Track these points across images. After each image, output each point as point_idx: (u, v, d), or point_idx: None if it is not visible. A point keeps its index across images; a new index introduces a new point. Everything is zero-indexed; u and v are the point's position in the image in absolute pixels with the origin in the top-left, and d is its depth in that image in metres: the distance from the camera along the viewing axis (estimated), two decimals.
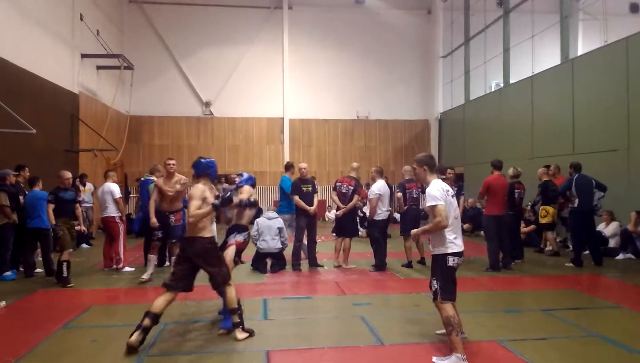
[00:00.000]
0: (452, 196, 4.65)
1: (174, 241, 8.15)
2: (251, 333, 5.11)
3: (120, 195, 9.29)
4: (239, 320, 5.09)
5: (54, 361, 4.53)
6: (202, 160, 5.48)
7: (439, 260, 4.57)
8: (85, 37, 15.05)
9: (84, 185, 12.85)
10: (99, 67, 16.22)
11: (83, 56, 14.85)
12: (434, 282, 4.60)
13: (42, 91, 12.27)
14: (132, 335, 4.68)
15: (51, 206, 7.92)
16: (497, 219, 8.75)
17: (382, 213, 8.88)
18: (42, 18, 12.44)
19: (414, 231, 4.86)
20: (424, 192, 9.39)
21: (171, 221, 8.04)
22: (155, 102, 19.53)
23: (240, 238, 5.86)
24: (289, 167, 9.94)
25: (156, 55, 19.61)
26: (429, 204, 4.53)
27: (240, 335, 5.03)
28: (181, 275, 5.07)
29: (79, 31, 14.61)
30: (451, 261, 4.53)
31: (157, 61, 19.61)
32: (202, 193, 5.11)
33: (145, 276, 7.92)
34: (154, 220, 7.98)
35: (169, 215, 8.02)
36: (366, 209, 9.52)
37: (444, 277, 4.56)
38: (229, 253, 5.75)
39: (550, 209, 10.43)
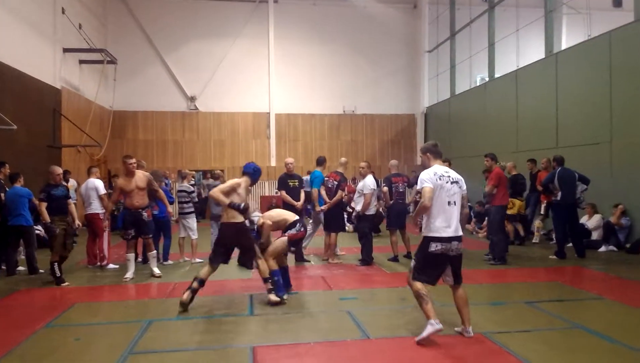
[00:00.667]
0: (451, 182, 4.75)
1: (150, 236, 8.09)
2: (282, 300, 6.08)
3: (106, 191, 9.17)
4: (271, 287, 6.09)
5: (36, 361, 4.46)
6: (252, 164, 6.67)
7: (423, 242, 4.79)
8: (68, 31, 14.82)
9: (67, 181, 12.68)
10: (81, 62, 16.00)
11: (65, 50, 14.62)
12: (412, 260, 4.88)
13: (24, 87, 12.07)
14: (183, 293, 5.89)
15: (43, 204, 7.60)
16: (506, 209, 9.18)
17: (372, 208, 8.92)
18: (23, 12, 12.22)
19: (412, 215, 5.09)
20: (410, 186, 9.50)
21: (144, 218, 7.90)
22: (139, 97, 19.32)
23: (293, 231, 6.61)
24: (321, 161, 9.83)
25: (140, 49, 19.39)
26: (418, 187, 4.81)
27: (272, 297, 6.03)
28: (220, 253, 6.14)
29: (60, 25, 14.37)
30: (433, 246, 4.65)
31: (141, 55, 19.40)
32: (234, 184, 6.23)
33: (128, 276, 7.83)
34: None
35: (141, 211, 7.90)
36: (354, 205, 9.48)
37: (422, 259, 4.76)
38: (278, 243, 6.59)
39: (516, 201, 10.70)
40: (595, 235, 10.39)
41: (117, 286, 7.51)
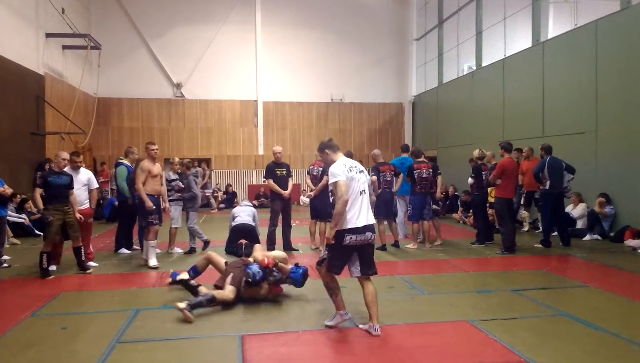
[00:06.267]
0: (359, 171, 4.75)
1: (160, 224, 8.14)
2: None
3: (97, 186, 8.76)
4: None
5: (22, 349, 4.41)
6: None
7: (338, 235, 4.64)
8: (50, 16, 14.51)
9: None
10: (65, 47, 15.70)
11: (48, 35, 14.33)
12: (325, 250, 4.83)
13: (6, 72, 11.83)
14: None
15: (38, 191, 7.29)
16: (509, 202, 9.05)
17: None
18: None
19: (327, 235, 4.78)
20: (396, 175, 9.51)
21: (162, 205, 8.14)
22: (124, 84, 19.06)
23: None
24: (406, 148, 10.65)
25: (124, 34, 19.07)
26: (330, 181, 4.71)
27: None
28: None
29: (43, 10, 14.07)
30: (348, 239, 4.60)
31: (126, 40, 19.09)
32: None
33: (155, 263, 7.79)
34: (149, 204, 7.75)
35: (161, 198, 8.11)
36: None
37: (334, 251, 4.69)
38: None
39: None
40: (580, 224, 10.53)
41: (103, 275, 7.44)
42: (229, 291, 5.59)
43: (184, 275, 5.93)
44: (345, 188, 4.54)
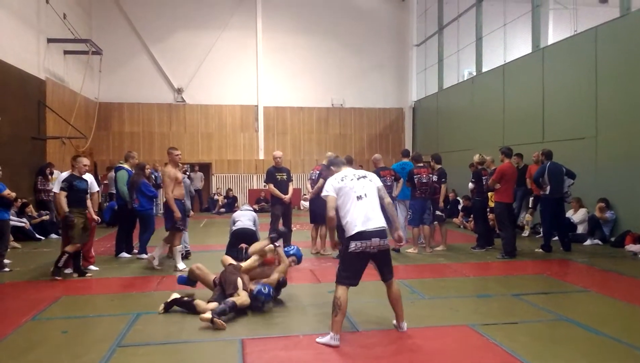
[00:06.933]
0: (357, 178, 4.73)
1: (185, 229, 8.27)
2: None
3: (98, 189, 8.83)
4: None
5: (22, 353, 4.41)
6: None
7: (343, 244, 4.70)
8: (52, 21, 14.56)
9: (52, 174, 12.55)
10: (66, 52, 15.74)
11: (49, 40, 14.37)
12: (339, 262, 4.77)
13: (7, 77, 11.86)
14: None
15: (63, 194, 7.36)
16: (509, 206, 9.09)
17: None
18: (5, 1, 11.97)
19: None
20: (397, 180, 9.53)
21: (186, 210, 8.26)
22: (125, 89, 19.09)
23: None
24: (406, 154, 10.47)
25: (126, 40, 19.13)
26: (322, 195, 4.81)
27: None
28: None
29: (44, 15, 14.12)
30: (352, 245, 4.51)
31: (127, 46, 19.14)
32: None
33: (182, 266, 7.76)
34: (178, 214, 7.75)
35: (185, 203, 8.21)
36: None
37: (342, 260, 4.70)
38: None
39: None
40: (580, 229, 10.53)
41: (104, 279, 7.44)
42: (245, 297, 5.50)
43: (174, 295, 5.69)
44: (332, 204, 4.63)
